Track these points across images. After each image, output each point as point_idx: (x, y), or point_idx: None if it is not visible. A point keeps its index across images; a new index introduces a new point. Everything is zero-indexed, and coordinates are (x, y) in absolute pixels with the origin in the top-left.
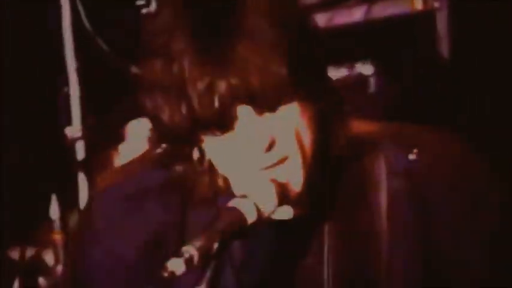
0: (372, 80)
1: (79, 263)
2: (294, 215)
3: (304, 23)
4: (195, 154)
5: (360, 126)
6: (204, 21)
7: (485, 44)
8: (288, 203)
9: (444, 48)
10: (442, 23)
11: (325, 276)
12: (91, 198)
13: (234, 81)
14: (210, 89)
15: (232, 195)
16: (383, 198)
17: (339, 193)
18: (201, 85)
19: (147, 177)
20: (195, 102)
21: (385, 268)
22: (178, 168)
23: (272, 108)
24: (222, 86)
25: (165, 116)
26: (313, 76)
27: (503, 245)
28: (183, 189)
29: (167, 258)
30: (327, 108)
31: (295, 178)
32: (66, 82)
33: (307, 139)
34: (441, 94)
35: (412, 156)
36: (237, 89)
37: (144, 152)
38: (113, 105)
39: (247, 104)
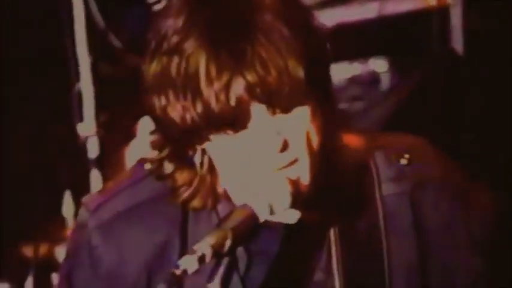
0: (385, 77)
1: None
2: (299, 223)
3: (315, 25)
4: (197, 157)
5: (347, 139)
6: (219, 19)
7: (500, 39)
8: (297, 205)
9: (458, 44)
10: (456, 18)
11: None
12: (82, 218)
13: (251, 79)
14: (228, 87)
15: (231, 202)
16: (378, 206)
17: (338, 203)
18: (218, 83)
19: (138, 191)
20: (212, 101)
21: (388, 275)
22: (178, 174)
23: (286, 109)
24: (239, 84)
25: (176, 114)
26: (324, 79)
27: (495, 248)
28: (182, 197)
29: (169, 269)
30: (331, 113)
31: (303, 180)
32: (78, 79)
33: (316, 142)
34: (455, 90)
35: (403, 162)
36: (254, 87)
37: (132, 168)
38: (125, 102)
39: (263, 103)
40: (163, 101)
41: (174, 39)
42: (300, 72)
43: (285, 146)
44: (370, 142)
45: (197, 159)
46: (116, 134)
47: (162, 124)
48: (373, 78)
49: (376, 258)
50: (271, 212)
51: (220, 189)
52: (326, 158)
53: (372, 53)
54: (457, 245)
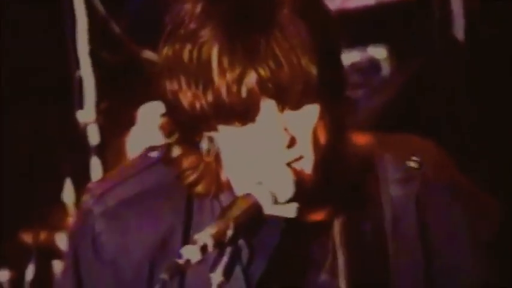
0: (386, 64)
1: (81, 274)
2: (301, 219)
3: (332, 22)
4: (204, 144)
5: (356, 138)
6: (236, 10)
7: (501, 26)
8: (301, 197)
9: (459, 30)
10: (457, 4)
11: None
12: (87, 204)
13: (263, 73)
14: (240, 79)
15: (234, 192)
16: (385, 207)
17: (344, 203)
18: (230, 75)
19: (143, 179)
20: (223, 91)
21: (393, 278)
22: (185, 158)
23: (296, 106)
24: (251, 77)
25: (186, 101)
26: (337, 79)
27: (502, 251)
28: (187, 181)
29: (172, 258)
30: (341, 113)
31: (306, 179)
32: (78, 66)
33: (323, 141)
34: (456, 77)
35: (411, 163)
36: (265, 82)
37: (138, 155)
38: (125, 90)
39: (273, 98)
40: (175, 85)
41: (192, 25)
42: (313, 70)
43: (291, 143)
44: (379, 142)
45: (204, 145)
46: (116, 121)
47: (172, 108)
48: (373, 66)
49: (381, 260)
50: (275, 202)
51: (223, 178)
52: (333, 157)
53: (372, 40)
54: (463, 248)
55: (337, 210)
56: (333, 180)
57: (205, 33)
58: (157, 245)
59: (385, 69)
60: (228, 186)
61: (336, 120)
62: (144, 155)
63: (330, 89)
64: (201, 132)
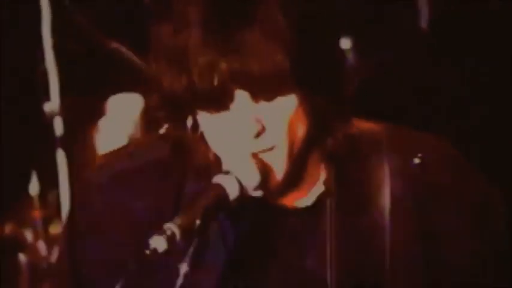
0: (350, 55)
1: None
2: (293, 208)
3: (319, 21)
4: (189, 122)
5: (363, 126)
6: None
7: (466, 16)
8: (268, 187)
9: (424, 20)
10: None
11: (329, 279)
12: (86, 175)
13: (234, 64)
14: (210, 66)
15: (218, 171)
16: (386, 200)
17: (341, 192)
18: (202, 60)
19: (138, 156)
20: (195, 77)
21: (389, 269)
22: (174, 133)
23: (269, 97)
24: (222, 66)
25: (166, 81)
26: (316, 71)
27: (504, 251)
28: (183, 157)
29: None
30: (328, 105)
31: (278, 167)
32: (43, 58)
33: (299, 132)
34: (421, 67)
35: (416, 160)
36: (236, 73)
37: (130, 141)
38: (92, 81)
39: (245, 89)
40: (158, 65)
41: (177, 7)
42: (287, 65)
43: (260, 133)
44: (390, 134)
45: (189, 123)
46: (82, 113)
47: (158, 85)
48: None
49: (377, 254)
50: (242, 190)
51: (211, 156)
52: (323, 149)
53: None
54: (464, 250)
55: (331, 195)
56: (336, 170)
57: (187, 18)
58: (146, 222)
59: (350, 60)
60: (217, 164)
61: (320, 110)
62: (153, 132)
63: (307, 81)
64: (184, 112)
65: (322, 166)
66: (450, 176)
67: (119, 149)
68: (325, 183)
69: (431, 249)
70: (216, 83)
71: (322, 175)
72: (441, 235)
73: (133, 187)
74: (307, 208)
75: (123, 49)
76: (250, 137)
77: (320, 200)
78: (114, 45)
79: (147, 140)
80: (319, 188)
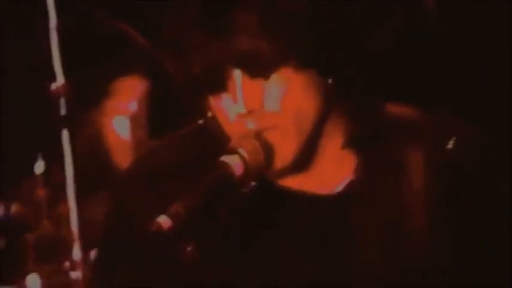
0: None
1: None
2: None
3: (314, 6)
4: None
5: (398, 111)
6: None
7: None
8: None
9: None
10: None
11: (353, 271)
12: (125, 167)
13: (224, 45)
14: (201, 48)
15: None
16: (418, 187)
17: (368, 175)
18: (193, 43)
19: (174, 149)
20: (191, 62)
21: (423, 256)
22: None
23: (263, 75)
24: (212, 47)
25: (171, 68)
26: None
27: (502, 251)
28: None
29: None
30: (341, 84)
31: (285, 147)
32: (48, 38)
33: (306, 112)
34: (427, 51)
35: (450, 147)
36: (226, 53)
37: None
38: (97, 61)
39: (238, 68)
40: (166, 52)
41: None
42: (275, 43)
43: (256, 110)
44: (420, 118)
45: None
46: (87, 94)
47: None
48: None
49: (409, 243)
50: (247, 167)
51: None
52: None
53: None
54: (490, 238)
55: (360, 184)
56: (367, 153)
57: (186, 4)
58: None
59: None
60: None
61: (330, 88)
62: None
63: (304, 57)
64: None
65: (351, 153)
66: (479, 166)
67: (164, 139)
68: (355, 171)
69: (462, 236)
70: (209, 64)
71: (351, 163)
72: (471, 223)
73: (156, 190)
74: (331, 196)
75: (129, 29)
76: (248, 115)
77: (348, 189)
78: (120, 26)
79: (186, 130)
80: (346, 176)
